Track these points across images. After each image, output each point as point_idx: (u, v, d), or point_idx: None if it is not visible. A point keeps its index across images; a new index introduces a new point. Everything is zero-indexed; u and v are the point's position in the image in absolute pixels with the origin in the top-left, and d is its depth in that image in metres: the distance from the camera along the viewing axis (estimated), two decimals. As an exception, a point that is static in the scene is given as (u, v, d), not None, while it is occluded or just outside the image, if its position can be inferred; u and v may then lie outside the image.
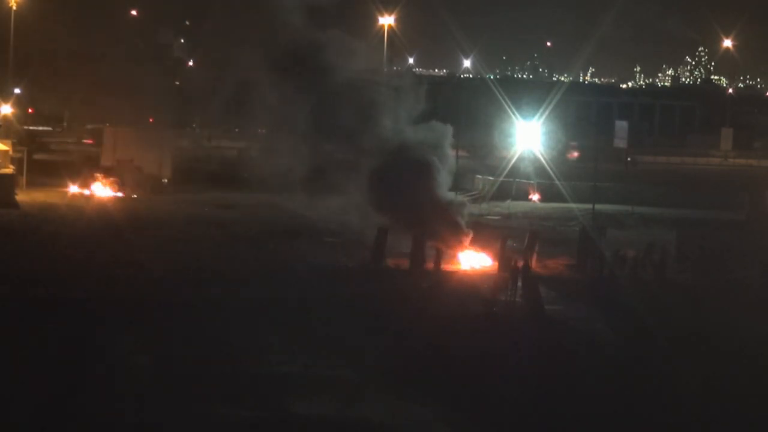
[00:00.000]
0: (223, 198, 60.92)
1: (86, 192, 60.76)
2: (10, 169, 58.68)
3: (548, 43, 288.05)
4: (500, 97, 70.80)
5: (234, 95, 47.28)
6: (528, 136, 66.86)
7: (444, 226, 42.14)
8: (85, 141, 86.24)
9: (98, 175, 63.11)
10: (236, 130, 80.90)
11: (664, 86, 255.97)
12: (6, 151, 60.65)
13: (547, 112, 71.97)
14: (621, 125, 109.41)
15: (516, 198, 66.09)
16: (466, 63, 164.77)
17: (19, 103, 76.83)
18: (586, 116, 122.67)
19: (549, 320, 33.08)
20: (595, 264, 41.71)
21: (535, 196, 67.20)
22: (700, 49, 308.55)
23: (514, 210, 61.05)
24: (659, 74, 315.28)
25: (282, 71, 43.69)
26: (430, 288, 37.25)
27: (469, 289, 37.47)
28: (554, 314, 33.87)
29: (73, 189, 60.83)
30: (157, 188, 63.37)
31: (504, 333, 31.14)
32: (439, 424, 22.66)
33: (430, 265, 40.01)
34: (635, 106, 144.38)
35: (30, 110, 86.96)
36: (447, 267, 41.30)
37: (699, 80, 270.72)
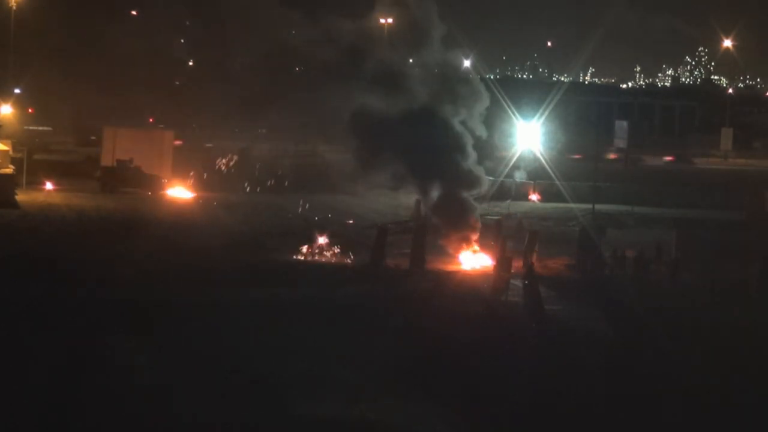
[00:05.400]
0: (225, 198, 61.02)
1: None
2: (10, 169, 58.69)
3: (548, 43, 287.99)
4: (500, 97, 70.86)
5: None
6: (528, 136, 66.90)
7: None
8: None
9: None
10: (236, 130, 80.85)
11: (664, 86, 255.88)
12: (6, 151, 60.65)
13: (547, 112, 71.97)
14: (621, 125, 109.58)
15: (516, 198, 66.13)
16: (466, 63, 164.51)
17: (19, 102, 76.86)
18: (586, 116, 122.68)
19: (549, 320, 33.07)
20: (595, 264, 41.73)
21: (534, 196, 67.24)
22: (700, 49, 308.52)
23: (514, 210, 61.05)
24: (659, 74, 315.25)
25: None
26: (430, 288, 37.26)
27: (469, 289, 37.50)
28: (554, 314, 33.87)
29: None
30: (157, 188, 63.41)
31: (504, 333, 31.14)
32: (439, 424, 22.66)
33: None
34: (635, 106, 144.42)
35: (30, 110, 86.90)
36: (447, 267, 41.41)
37: (699, 80, 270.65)
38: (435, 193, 43.41)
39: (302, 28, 45.19)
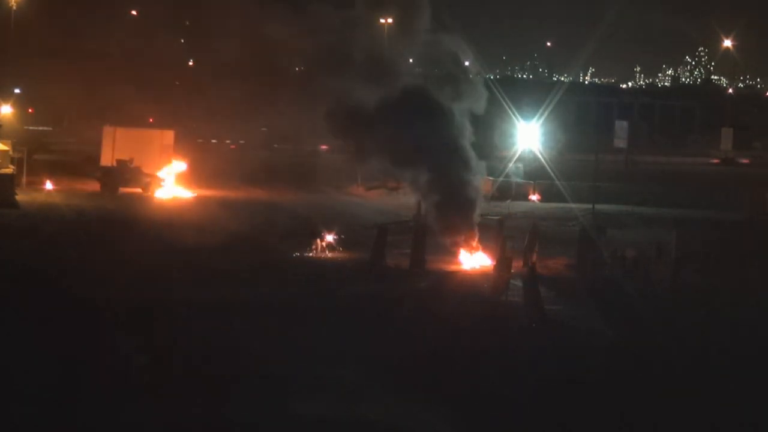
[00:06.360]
0: (226, 197, 61.03)
1: None
2: (10, 169, 58.70)
3: (548, 43, 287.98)
4: (500, 98, 70.88)
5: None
6: (528, 136, 66.93)
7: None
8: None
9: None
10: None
11: (664, 86, 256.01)
12: (6, 151, 60.66)
13: (547, 113, 71.95)
14: (621, 125, 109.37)
15: (516, 198, 66.11)
16: (466, 63, 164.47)
17: (19, 102, 76.92)
18: (586, 116, 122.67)
19: (549, 320, 33.04)
20: (595, 264, 41.69)
21: (534, 196, 67.21)
22: (700, 49, 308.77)
23: (514, 210, 61.03)
24: (659, 74, 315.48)
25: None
26: (430, 288, 37.24)
27: (469, 288, 37.47)
28: (554, 314, 33.84)
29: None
30: (157, 188, 63.43)
31: (503, 333, 31.13)
32: (439, 424, 22.65)
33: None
34: (635, 106, 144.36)
35: (30, 110, 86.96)
36: (447, 267, 41.37)
37: (699, 80, 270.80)
38: (433, 191, 43.23)
39: (290, 21, 45.04)
